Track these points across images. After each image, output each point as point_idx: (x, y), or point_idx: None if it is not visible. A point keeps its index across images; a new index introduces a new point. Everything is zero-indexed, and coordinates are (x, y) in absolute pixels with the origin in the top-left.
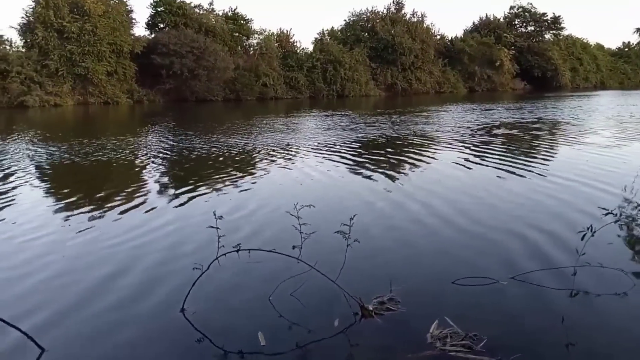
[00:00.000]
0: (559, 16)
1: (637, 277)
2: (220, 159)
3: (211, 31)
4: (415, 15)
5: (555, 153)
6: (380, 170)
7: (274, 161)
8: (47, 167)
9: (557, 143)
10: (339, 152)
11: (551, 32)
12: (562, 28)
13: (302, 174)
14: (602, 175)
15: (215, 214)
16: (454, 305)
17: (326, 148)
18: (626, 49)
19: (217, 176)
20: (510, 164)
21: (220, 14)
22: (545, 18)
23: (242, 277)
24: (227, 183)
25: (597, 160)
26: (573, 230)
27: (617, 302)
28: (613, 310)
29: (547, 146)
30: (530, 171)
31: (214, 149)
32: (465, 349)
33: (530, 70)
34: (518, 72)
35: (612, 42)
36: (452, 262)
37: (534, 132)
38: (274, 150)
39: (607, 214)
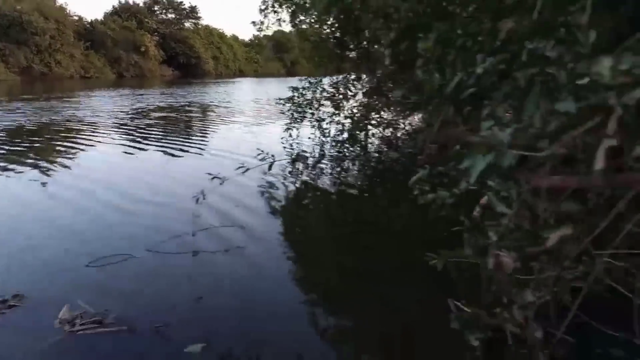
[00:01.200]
0: (195, 6)
1: (248, 232)
2: None
3: None
4: None
5: (210, 132)
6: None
7: None
8: None
9: (212, 123)
10: None
11: (190, 20)
12: (200, 17)
13: None
14: (247, 148)
15: None
16: (88, 287)
17: None
18: (256, 41)
19: None
20: (171, 144)
21: None
22: (183, 7)
23: None
24: None
25: (245, 136)
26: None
27: (235, 254)
28: (229, 263)
29: (202, 126)
30: (187, 151)
31: None
32: (94, 325)
33: (176, 57)
34: (165, 59)
35: (246, 35)
36: (89, 246)
37: (190, 115)
38: None
39: (213, 178)
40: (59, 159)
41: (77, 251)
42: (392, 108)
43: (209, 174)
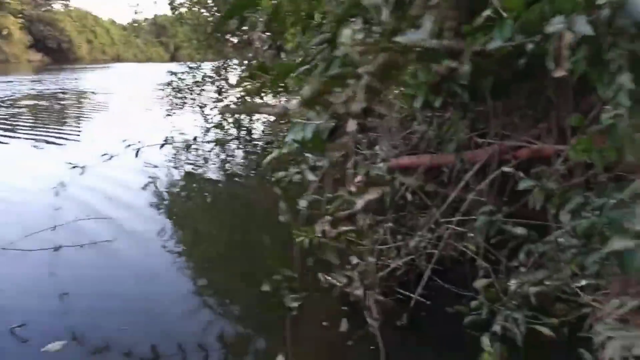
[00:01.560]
0: None
1: (117, 225)
2: None
3: None
4: None
5: (82, 121)
6: None
7: None
8: None
9: (84, 111)
10: None
11: (59, 2)
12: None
13: None
14: (121, 136)
15: None
16: None
17: None
18: (135, 24)
19: None
20: (37, 134)
21: None
22: None
23: None
24: None
25: (120, 124)
26: None
27: (103, 248)
28: (94, 258)
29: (72, 115)
30: (54, 141)
31: None
32: None
33: (44, 41)
34: (32, 43)
35: (125, 19)
36: None
37: (60, 103)
38: None
39: (73, 167)
40: None
41: None
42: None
43: (70, 163)
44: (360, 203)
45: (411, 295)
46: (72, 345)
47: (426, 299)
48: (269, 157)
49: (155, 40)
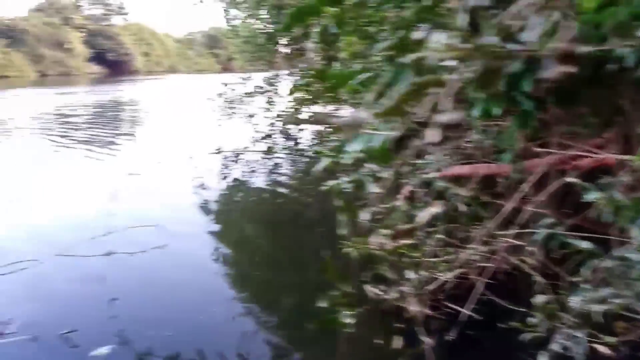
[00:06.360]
0: (122, 2)
1: (169, 231)
2: None
3: None
4: None
5: (136, 129)
6: None
7: None
8: None
9: (138, 120)
10: None
11: (119, 16)
12: (127, 13)
13: None
14: (174, 144)
15: None
16: None
17: None
18: (190, 37)
19: None
20: (99, 141)
21: None
22: (110, 2)
23: None
24: None
25: (173, 132)
26: None
27: (154, 254)
28: (146, 263)
29: (128, 124)
30: (119, 146)
31: None
32: None
33: (104, 54)
34: (93, 56)
35: (180, 32)
36: None
37: (119, 112)
38: None
39: (130, 174)
40: None
41: None
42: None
43: (125, 170)
44: (423, 216)
45: (461, 310)
46: (118, 350)
47: (477, 314)
48: (320, 166)
49: (207, 51)
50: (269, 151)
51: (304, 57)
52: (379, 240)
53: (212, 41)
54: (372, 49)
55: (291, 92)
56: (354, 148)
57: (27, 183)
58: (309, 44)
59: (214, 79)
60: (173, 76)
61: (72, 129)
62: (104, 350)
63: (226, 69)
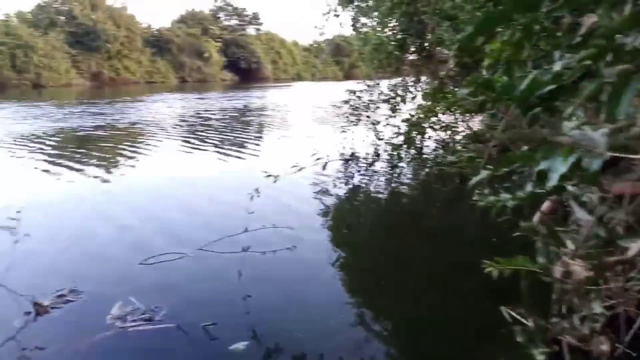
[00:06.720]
0: (257, 12)
1: (298, 233)
2: None
3: None
4: (117, 2)
5: (267, 133)
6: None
7: None
8: None
9: (269, 124)
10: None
11: (252, 26)
12: (261, 23)
13: None
14: (302, 148)
15: None
16: (141, 284)
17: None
18: (315, 45)
19: None
20: (229, 144)
21: None
22: (246, 13)
23: None
24: None
25: (301, 137)
26: None
27: (284, 255)
28: (278, 263)
29: (259, 128)
30: (244, 150)
31: None
32: (144, 322)
33: (237, 62)
34: (226, 64)
35: (306, 40)
36: (143, 245)
37: (248, 117)
38: None
39: (268, 176)
40: (120, 159)
41: (131, 249)
42: (452, 110)
43: (264, 172)
44: (636, 247)
45: (618, 345)
46: (254, 346)
47: (633, 350)
48: (477, 178)
49: (331, 59)
50: (398, 157)
51: (436, 64)
52: (565, 269)
53: (336, 49)
54: (553, 57)
55: (428, 96)
56: (560, 170)
57: (178, 181)
58: (446, 51)
59: (337, 86)
60: (299, 83)
61: (213, 130)
62: (240, 346)
63: (349, 76)
